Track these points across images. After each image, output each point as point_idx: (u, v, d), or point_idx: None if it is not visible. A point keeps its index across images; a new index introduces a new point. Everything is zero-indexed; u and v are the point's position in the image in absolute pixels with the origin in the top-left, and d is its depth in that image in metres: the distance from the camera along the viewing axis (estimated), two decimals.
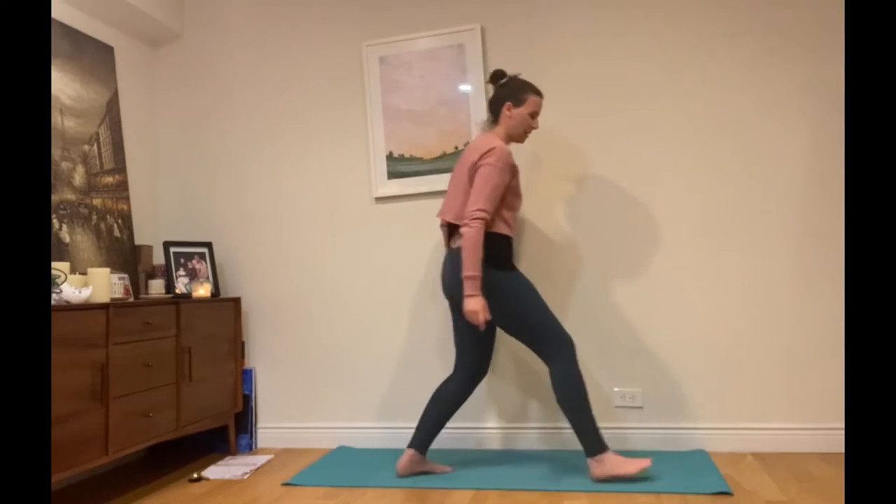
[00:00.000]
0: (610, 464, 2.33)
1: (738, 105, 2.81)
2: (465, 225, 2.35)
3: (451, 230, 2.54)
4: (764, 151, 2.79)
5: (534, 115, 2.52)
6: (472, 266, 2.31)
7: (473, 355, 2.57)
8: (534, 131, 2.73)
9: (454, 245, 2.49)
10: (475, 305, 2.31)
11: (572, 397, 2.35)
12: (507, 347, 2.96)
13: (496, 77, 2.59)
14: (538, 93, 2.53)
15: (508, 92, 2.53)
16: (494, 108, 2.56)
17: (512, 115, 2.51)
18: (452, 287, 2.47)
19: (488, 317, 2.33)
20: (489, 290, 2.39)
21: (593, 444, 2.35)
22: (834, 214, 2.72)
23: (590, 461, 2.37)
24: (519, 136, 2.54)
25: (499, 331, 2.86)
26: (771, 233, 2.77)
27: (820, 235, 2.73)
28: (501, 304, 2.41)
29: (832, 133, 2.74)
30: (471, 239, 2.32)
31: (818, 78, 2.75)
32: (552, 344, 2.39)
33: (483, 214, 2.34)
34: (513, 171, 2.44)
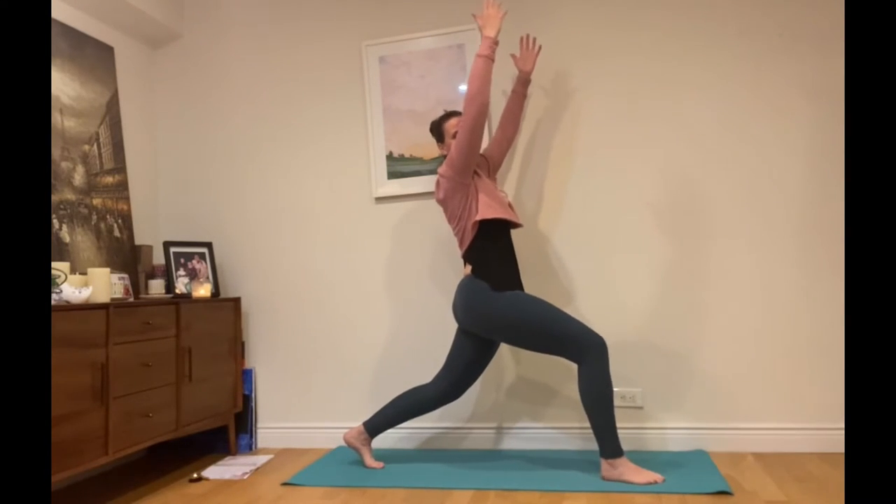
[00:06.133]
0: (621, 469, 2.36)
1: (739, 104, 2.81)
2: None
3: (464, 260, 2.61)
4: (764, 150, 2.79)
5: (455, 134, 2.63)
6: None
7: (459, 376, 2.65)
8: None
9: (464, 274, 2.59)
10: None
11: (597, 397, 2.36)
12: (507, 347, 2.96)
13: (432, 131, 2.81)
14: (451, 115, 2.72)
15: (435, 137, 2.77)
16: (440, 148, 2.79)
17: (445, 150, 2.71)
18: (461, 316, 2.57)
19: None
20: (497, 317, 2.46)
21: (611, 446, 2.37)
22: (835, 214, 2.72)
23: (603, 462, 2.39)
24: None
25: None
26: (771, 232, 2.77)
27: (820, 235, 2.73)
28: (513, 323, 2.45)
29: (833, 132, 2.74)
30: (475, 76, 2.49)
31: (819, 77, 2.75)
32: (578, 345, 2.39)
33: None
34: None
